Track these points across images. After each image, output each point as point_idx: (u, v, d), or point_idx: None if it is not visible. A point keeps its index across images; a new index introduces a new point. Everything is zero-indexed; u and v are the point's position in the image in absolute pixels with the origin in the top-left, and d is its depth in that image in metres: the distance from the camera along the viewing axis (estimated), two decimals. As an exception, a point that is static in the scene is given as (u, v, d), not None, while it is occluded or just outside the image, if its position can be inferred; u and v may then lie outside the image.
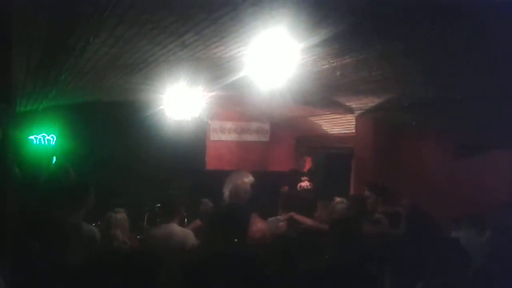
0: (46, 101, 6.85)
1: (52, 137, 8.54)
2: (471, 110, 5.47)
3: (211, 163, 9.11)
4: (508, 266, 3.62)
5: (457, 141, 6.43)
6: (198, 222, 5.33)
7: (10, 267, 2.46)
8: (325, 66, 4.57)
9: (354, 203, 5.48)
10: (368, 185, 5.83)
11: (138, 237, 5.68)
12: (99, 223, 4.99)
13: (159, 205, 6.76)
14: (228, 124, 9.30)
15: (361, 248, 3.58)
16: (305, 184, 7.60)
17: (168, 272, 2.99)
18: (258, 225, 5.06)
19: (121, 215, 4.55)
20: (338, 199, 5.50)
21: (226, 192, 5.47)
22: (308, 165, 9.43)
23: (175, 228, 4.63)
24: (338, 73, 4.75)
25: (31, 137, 8.47)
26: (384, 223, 5.08)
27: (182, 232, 4.60)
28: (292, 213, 5.40)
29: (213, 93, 6.45)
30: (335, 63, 4.45)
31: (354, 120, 7.13)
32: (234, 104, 8.53)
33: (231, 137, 9.32)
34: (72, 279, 3.12)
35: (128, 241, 4.68)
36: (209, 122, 8.98)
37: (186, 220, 5.48)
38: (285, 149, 9.73)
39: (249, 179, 5.57)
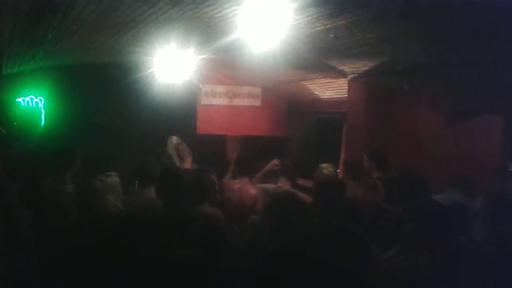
0: (33, 62, 6.72)
1: (40, 99, 8.41)
2: (464, 74, 5.43)
3: (201, 128, 9.06)
4: (496, 230, 3.64)
5: (450, 106, 6.41)
6: None
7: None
8: (318, 28, 4.49)
9: (348, 168, 5.46)
10: (366, 150, 5.81)
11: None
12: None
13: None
14: (219, 88, 9.22)
15: (347, 211, 3.56)
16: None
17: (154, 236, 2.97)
18: (250, 191, 5.04)
19: (112, 179, 4.50)
20: (324, 164, 5.49)
21: (174, 154, 5.80)
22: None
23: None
24: (331, 35, 4.67)
25: (19, 99, 8.34)
26: (379, 189, 5.07)
27: None
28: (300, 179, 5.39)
29: (204, 56, 6.35)
30: (329, 25, 4.36)
31: (346, 84, 7.07)
32: (225, 68, 8.43)
33: (222, 101, 9.25)
34: (58, 243, 3.10)
35: (121, 206, 4.64)
36: (200, 85, 8.88)
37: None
38: (277, 114, 9.68)
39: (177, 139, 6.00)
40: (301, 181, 5.38)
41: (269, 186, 5.33)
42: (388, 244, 3.43)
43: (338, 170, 5.88)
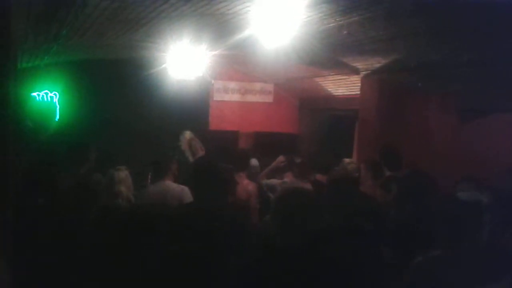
0: (48, 57, 6.78)
1: (55, 94, 8.49)
2: (478, 72, 5.39)
3: (214, 124, 9.08)
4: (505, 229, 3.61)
5: (463, 104, 6.36)
6: None
7: (12, 223, 2.46)
8: (331, 25, 4.47)
9: (362, 167, 5.44)
10: (378, 150, 5.78)
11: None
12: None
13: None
14: (232, 84, 9.22)
15: (358, 208, 3.55)
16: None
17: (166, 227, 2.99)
18: (245, 186, 5.07)
19: (123, 173, 4.56)
20: (347, 159, 5.49)
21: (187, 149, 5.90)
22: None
23: (170, 184, 4.65)
24: (344, 32, 4.65)
25: (34, 93, 8.42)
26: (392, 187, 5.04)
27: (177, 188, 4.61)
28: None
29: (216, 52, 6.36)
30: (342, 21, 4.35)
31: (359, 81, 7.04)
32: (238, 64, 8.43)
33: (234, 97, 9.26)
34: (73, 235, 3.14)
35: (133, 198, 4.70)
36: (213, 82, 8.89)
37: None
38: (289, 110, 9.67)
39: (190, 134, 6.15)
40: (318, 177, 5.41)
41: (275, 181, 5.36)
42: (406, 244, 3.42)
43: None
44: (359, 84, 7.07)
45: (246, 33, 4.56)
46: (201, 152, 6.04)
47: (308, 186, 4.99)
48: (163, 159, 4.94)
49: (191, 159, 5.97)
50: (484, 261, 2.95)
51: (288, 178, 5.53)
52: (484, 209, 3.58)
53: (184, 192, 4.56)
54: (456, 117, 6.45)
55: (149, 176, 5.98)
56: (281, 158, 5.74)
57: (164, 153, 5.19)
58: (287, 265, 2.53)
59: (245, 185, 5.11)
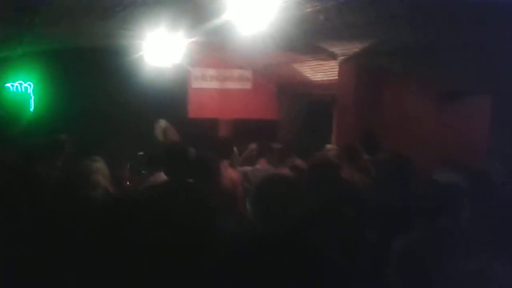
0: (21, 47, 6.65)
1: (29, 84, 8.35)
2: (455, 56, 5.44)
3: (193, 111, 9.03)
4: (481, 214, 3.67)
5: (441, 87, 6.42)
6: None
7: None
8: (308, 10, 4.46)
9: (341, 151, 5.47)
10: (358, 133, 5.82)
11: (128, 183, 5.67)
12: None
13: (141, 153, 6.76)
14: (210, 71, 9.16)
15: (340, 193, 3.57)
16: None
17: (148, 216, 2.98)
18: (230, 174, 5.04)
19: (99, 163, 4.50)
20: (329, 145, 5.51)
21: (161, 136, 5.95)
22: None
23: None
24: (321, 17, 4.65)
25: (8, 84, 8.28)
26: (371, 171, 5.09)
27: None
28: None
29: (194, 39, 6.30)
30: (319, 7, 4.34)
31: (337, 67, 7.06)
32: (215, 51, 8.37)
33: (212, 84, 9.20)
34: (52, 227, 3.11)
35: (111, 188, 4.65)
36: (190, 69, 8.83)
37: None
38: (267, 96, 9.66)
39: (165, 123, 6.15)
40: (298, 162, 5.41)
41: (247, 168, 5.33)
42: (387, 226, 3.46)
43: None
44: (337, 69, 7.09)
45: (223, 19, 4.52)
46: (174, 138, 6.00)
47: (285, 172, 4.98)
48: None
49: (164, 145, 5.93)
50: (462, 243, 3.00)
51: (261, 165, 5.48)
52: (462, 192, 3.64)
53: None
54: (435, 100, 6.51)
55: (129, 167, 5.96)
56: (252, 145, 5.73)
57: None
58: (268, 253, 2.53)
59: (229, 173, 5.06)
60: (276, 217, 2.62)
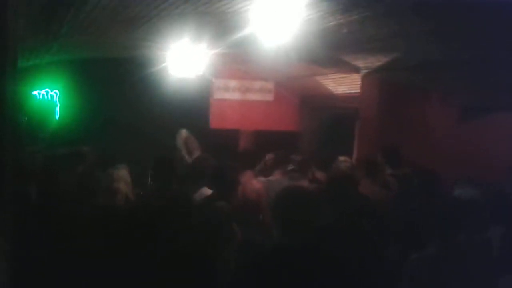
0: (48, 56, 6.78)
1: (55, 92, 8.50)
2: (478, 71, 5.38)
3: (214, 122, 9.07)
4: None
5: (464, 102, 6.35)
6: None
7: (10, 222, 2.46)
8: (331, 23, 4.47)
9: (363, 165, 5.42)
10: (380, 147, 5.76)
11: (141, 193, 5.72)
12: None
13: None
14: (232, 83, 9.21)
15: (357, 207, 3.54)
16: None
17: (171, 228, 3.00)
18: (253, 185, 5.02)
19: (122, 171, 4.57)
20: (342, 157, 5.47)
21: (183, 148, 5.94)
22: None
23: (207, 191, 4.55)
24: (344, 30, 4.65)
25: (35, 92, 8.44)
26: (393, 185, 5.04)
27: None
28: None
29: (217, 51, 6.36)
30: (342, 20, 4.34)
31: (359, 80, 7.03)
32: (238, 62, 8.43)
33: (234, 95, 9.24)
34: (71, 232, 3.15)
35: (132, 196, 4.71)
36: (213, 80, 8.89)
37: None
38: (289, 108, 9.66)
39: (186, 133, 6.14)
40: (318, 174, 5.39)
41: (262, 179, 5.31)
42: (400, 241, 3.42)
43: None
44: (360, 83, 7.07)
45: (246, 31, 4.55)
46: (197, 152, 6.02)
47: (304, 184, 4.96)
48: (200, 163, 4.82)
49: (187, 158, 5.96)
50: (480, 260, 2.96)
51: (277, 176, 5.45)
52: (482, 209, 3.59)
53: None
54: (457, 115, 6.44)
55: (150, 176, 6.00)
56: (268, 155, 5.71)
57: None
58: (287, 263, 2.53)
59: (253, 184, 5.03)
60: (291, 228, 2.63)
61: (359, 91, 7.16)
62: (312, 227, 2.71)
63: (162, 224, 2.87)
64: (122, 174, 4.59)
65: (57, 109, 8.50)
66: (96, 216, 3.42)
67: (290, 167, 5.58)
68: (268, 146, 7.52)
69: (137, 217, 2.91)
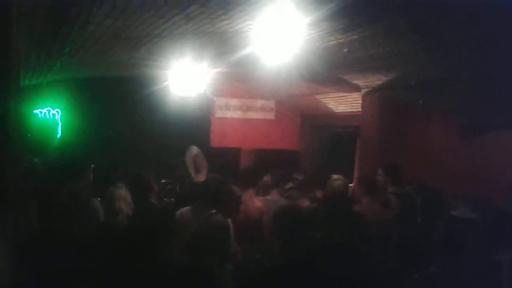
0: (51, 74, 6.83)
1: (57, 111, 8.54)
2: (479, 89, 5.40)
3: (215, 141, 9.09)
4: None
5: (465, 121, 6.36)
6: None
7: (11, 239, 2.46)
8: (331, 42, 4.51)
9: (363, 184, 5.41)
10: (381, 165, 5.76)
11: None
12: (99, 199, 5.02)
13: (163, 181, 6.81)
14: (233, 101, 9.25)
15: (351, 227, 3.52)
16: None
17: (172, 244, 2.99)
18: (255, 203, 5.00)
19: (122, 190, 4.56)
20: (335, 176, 5.45)
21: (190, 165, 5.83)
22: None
23: (216, 216, 4.51)
24: (345, 50, 4.68)
25: (36, 111, 8.47)
26: (394, 204, 5.01)
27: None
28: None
29: (218, 69, 6.40)
30: (342, 39, 4.38)
31: (360, 99, 7.06)
32: (239, 81, 8.47)
33: (236, 114, 9.28)
34: (71, 250, 3.13)
35: (133, 215, 4.69)
36: (214, 99, 8.93)
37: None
38: (290, 127, 9.69)
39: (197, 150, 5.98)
40: (318, 193, 5.38)
41: (260, 198, 5.30)
42: (401, 260, 3.40)
43: (351, 184, 5.84)
44: (360, 101, 7.09)
45: (247, 50, 4.59)
46: (204, 170, 5.99)
47: (303, 203, 4.96)
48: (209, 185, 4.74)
49: (193, 174, 5.94)
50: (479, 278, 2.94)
51: (273, 195, 5.44)
52: (487, 229, 3.57)
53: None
54: (458, 133, 6.45)
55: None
56: (266, 177, 5.74)
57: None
58: (283, 281, 2.54)
59: (255, 202, 5.03)
60: (288, 246, 2.65)
61: (359, 109, 7.19)
62: (307, 245, 2.73)
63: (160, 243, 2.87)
64: (122, 193, 4.57)
65: (59, 127, 8.52)
66: (99, 236, 3.41)
67: (289, 185, 5.58)
68: (269, 164, 7.54)
69: (136, 236, 2.90)
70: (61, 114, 8.55)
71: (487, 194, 5.02)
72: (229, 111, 9.23)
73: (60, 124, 8.56)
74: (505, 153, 6.03)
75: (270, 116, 9.51)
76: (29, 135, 7.89)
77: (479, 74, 4.96)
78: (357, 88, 6.83)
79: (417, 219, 4.38)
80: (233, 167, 8.25)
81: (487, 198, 4.91)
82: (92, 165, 5.13)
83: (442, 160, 6.38)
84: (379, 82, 6.19)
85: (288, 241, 2.66)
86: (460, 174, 6.00)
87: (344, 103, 7.85)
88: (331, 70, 6.00)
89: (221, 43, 4.77)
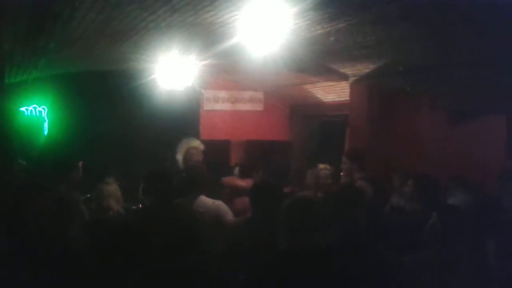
0: (36, 71, 6.74)
1: (43, 108, 8.44)
2: (466, 75, 5.42)
3: (204, 133, 9.06)
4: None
5: (452, 107, 6.39)
6: None
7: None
8: (318, 31, 4.49)
9: (353, 159, 5.51)
10: (345, 152, 5.85)
11: (134, 207, 5.68)
12: (88, 196, 4.98)
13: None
14: (222, 94, 9.22)
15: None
16: None
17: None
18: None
19: (112, 186, 4.52)
20: (322, 165, 5.50)
21: (180, 157, 5.84)
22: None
23: (205, 200, 4.59)
24: (332, 39, 4.67)
25: (22, 108, 8.38)
26: (367, 190, 5.04)
27: (212, 204, 4.58)
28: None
29: (205, 62, 6.36)
30: (329, 28, 4.36)
31: (348, 87, 7.07)
32: (227, 73, 8.44)
33: (224, 106, 9.25)
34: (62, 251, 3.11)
35: (123, 211, 4.66)
36: (202, 91, 8.89)
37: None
38: (279, 118, 9.68)
39: (198, 144, 6.00)
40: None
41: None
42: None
43: (342, 174, 5.86)
44: (348, 90, 7.10)
45: (234, 41, 4.57)
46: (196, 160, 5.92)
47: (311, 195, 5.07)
48: (197, 171, 4.82)
49: (181, 166, 5.89)
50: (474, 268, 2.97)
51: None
52: (474, 215, 3.60)
53: (221, 208, 4.52)
54: (447, 119, 6.48)
55: (141, 189, 5.96)
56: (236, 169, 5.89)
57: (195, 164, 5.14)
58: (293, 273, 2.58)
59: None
60: (299, 237, 2.70)
61: (348, 98, 7.19)
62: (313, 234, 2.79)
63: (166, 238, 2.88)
64: (112, 189, 4.53)
65: (46, 125, 8.43)
66: (89, 234, 3.39)
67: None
68: (259, 155, 7.54)
69: (136, 233, 2.89)
70: (47, 111, 8.46)
71: (477, 179, 5.07)
72: (218, 104, 9.20)
73: (47, 121, 8.47)
74: (493, 138, 6.07)
75: (259, 107, 9.50)
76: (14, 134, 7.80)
77: (467, 60, 4.98)
78: (345, 77, 6.82)
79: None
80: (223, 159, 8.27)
81: (479, 183, 4.96)
82: (81, 162, 5.08)
83: (432, 146, 6.41)
84: (367, 70, 6.20)
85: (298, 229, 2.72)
86: (450, 160, 6.03)
87: (333, 92, 7.85)
88: (319, 60, 5.99)
89: (208, 35, 4.73)
